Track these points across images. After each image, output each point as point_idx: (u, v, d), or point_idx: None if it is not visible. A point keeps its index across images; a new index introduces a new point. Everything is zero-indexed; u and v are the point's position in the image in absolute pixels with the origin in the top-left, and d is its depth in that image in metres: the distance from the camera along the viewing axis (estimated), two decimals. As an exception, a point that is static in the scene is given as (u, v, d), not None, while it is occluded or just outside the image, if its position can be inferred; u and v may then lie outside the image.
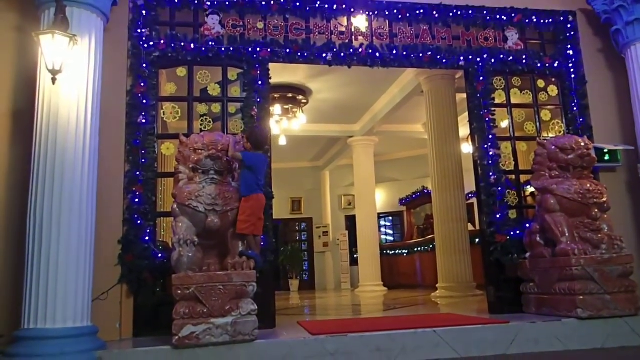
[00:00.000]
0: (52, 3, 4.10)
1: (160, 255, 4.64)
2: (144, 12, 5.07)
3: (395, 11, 5.67)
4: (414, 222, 15.77)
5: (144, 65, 4.96)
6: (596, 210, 4.83)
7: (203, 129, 5.00)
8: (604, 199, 4.88)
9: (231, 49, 5.19)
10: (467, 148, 9.63)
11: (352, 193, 15.11)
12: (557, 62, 5.89)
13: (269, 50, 5.26)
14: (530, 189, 6.65)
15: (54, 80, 3.96)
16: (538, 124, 5.87)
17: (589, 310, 4.39)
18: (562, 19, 6.02)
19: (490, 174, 5.45)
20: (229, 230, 4.19)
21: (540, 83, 5.92)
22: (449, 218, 8.61)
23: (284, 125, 10.70)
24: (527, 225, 5.23)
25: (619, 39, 5.61)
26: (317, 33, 5.47)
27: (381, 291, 11.92)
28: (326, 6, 5.51)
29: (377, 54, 5.52)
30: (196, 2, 5.25)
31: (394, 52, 5.56)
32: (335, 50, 5.44)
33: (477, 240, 8.30)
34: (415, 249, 13.63)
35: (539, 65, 5.84)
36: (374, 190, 12.88)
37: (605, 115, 5.85)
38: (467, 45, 5.79)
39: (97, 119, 4.30)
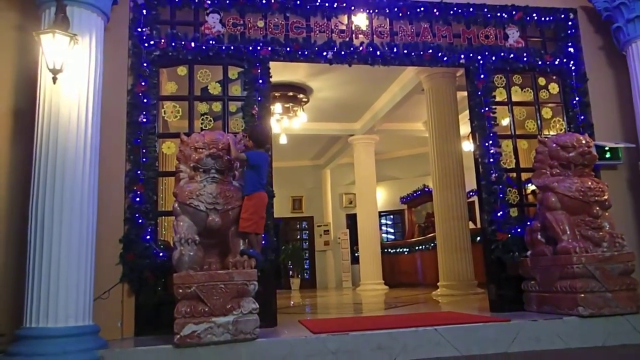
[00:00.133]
0: (53, 2, 4.10)
1: (161, 254, 4.63)
2: (144, 11, 5.06)
3: (396, 9, 5.67)
4: (414, 220, 15.77)
5: (145, 64, 4.96)
6: (597, 208, 4.82)
7: (204, 127, 4.99)
8: (605, 197, 4.88)
9: (232, 47, 5.19)
10: (467, 146, 9.63)
11: (353, 191, 15.11)
12: (558, 60, 5.88)
13: (269, 48, 5.25)
14: (531, 187, 6.64)
15: (54, 80, 3.96)
16: (539, 121, 5.86)
17: (590, 308, 4.39)
18: (563, 16, 6.01)
19: (491, 172, 5.45)
20: (230, 229, 4.19)
21: (541, 81, 5.91)
22: (450, 216, 8.62)
23: (284, 123, 10.70)
24: (528, 223, 5.23)
25: (620, 36, 5.60)
26: (317, 31, 5.46)
27: (382, 290, 11.94)
28: (326, 4, 5.51)
29: (378, 52, 5.51)
30: (196, 1, 5.24)
31: (395, 50, 5.56)
32: (335, 48, 5.43)
33: (478, 238, 8.31)
34: (416, 247, 13.63)
35: (539, 63, 5.83)
36: (375, 189, 12.88)
37: (606, 113, 5.85)
38: (467, 43, 5.79)
39: (98, 118, 4.30)
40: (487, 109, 5.61)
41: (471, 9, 5.80)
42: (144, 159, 4.79)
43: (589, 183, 4.90)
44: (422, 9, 5.70)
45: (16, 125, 4.49)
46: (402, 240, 15.47)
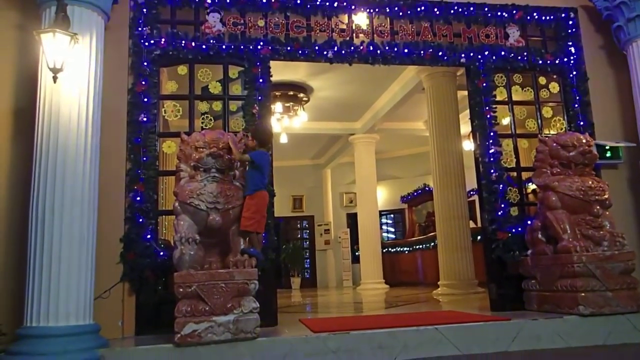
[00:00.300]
0: (53, 1, 4.10)
1: (161, 253, 4.64)
2: (144, 10, 5.06)
3: (396, 8, 5.67)
4: (415, 219, 15.76)
5: (145, 64, 4.96)
6: (598, 207, 4.82)
7: (204, 127, 5.00)
8: (606, 196, 4.88)
9: (232, 46, 5.19)
10: (468, 145, 9.63)
11: (353, 191, 15.12)
12: (558, 59, 5.88)
13: (269, 48, 5.26)
14: (531, 186, 6.65)
15: (55, 79, 3.96)
16: (539, 121, 5.86)
17: (590, 307, 4.39)
18: (563, 15, 6.00)
19: (492, 171, 5.45)
20: (231, 228, 4.20)
21: (542, 80, 5.91)
22: (451, 215, 8.61)
23: (285, 123, 10.69)
24: (529, 223, 5.23)
25: (620, 35, 5.60)
26: (318, 31, 5.46)
27: (383, 289, 11.93)
28: (327, 4, 5.51)
29: (378, 52, 5.51)
30: (197, 0, 5.25)
31: (395, 49, 5.56)
32: (336, 47, 5.43)
33: (479, 237, 8.30)
34: (417, 247, 13.63)
35: (540, 62, 5.84)
36: (376, 188, 12.87)
37: (606, 112, 5.84)
38: (468, 42, 5.78)
39: (98, 118, 4.30)
40: (487, 108, 5.61)
41: (472, 8, 5.80)
42: (145, 158, 4.79)
43: (590, 182, 4.90)
44: (422, 8, 5.70)
45: (16, 124, 4.49)
46: (402, 240, 15.47)
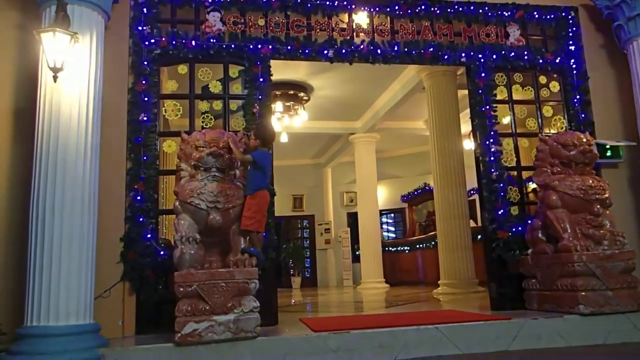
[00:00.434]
0: (53, 1, 4.10)
1: (162, 252, 4.64)
2: (144, 9, 5.06)
3: (397, 7, 5.66)
4: (415, 218, 15.77)
5: (145, 63, 4.95)
6: (598, 207, 4.82)
7: (204, 126, 5.00)
8: (606, 195, 4.87)
9: (232, 46, 5.19)
10: (468, 144, 9.62)
11: (353, 190, 15.12)
12: (558, 58, 5.88)
13: (270, 47, 5.25)
14: (532, 186, 6.66)
15: (55, 78, 3.95)
16: (540, 120, 5.86)
17: (591, 306, 4.39)
18: (563, 14, 6.00)
19: (492, 170, 5.44)
20: (231, 227, 4.20)
21: (542, 79, 5.90)
22: (451, 215, 8.61)
23: (285, 122, 10.69)
24: (529, 222, 5.22)
25: (621, 34, 5.59)
26: (318, 30, 5.46)
27: (383, 288, 11.94)
28: (327, 3, 5.50)
29: (379, 51, 5.51)
30: (197, -1, 5.25)
31: (396, 48, 5.55)
32: (336, 47, 5.43)
33: (479, 236, 8.29)
34: (417, 246, 13.63)
35: (540, 61, 5.83)
36: (376, 187, 12.88)
37: (607, 111, 5.84)
38: (468, 41, 5.78)
39: (99, 117, 4.30)
40: (487, 107, 5.60)
41: (472, 7, 5.79)
42: (145, 158, 4.79)
43: (590, 181, 4.90)
44: (423, 7, 5.70)
45: (17, 123, 4.49)
46: (403, 239, 15.48)
